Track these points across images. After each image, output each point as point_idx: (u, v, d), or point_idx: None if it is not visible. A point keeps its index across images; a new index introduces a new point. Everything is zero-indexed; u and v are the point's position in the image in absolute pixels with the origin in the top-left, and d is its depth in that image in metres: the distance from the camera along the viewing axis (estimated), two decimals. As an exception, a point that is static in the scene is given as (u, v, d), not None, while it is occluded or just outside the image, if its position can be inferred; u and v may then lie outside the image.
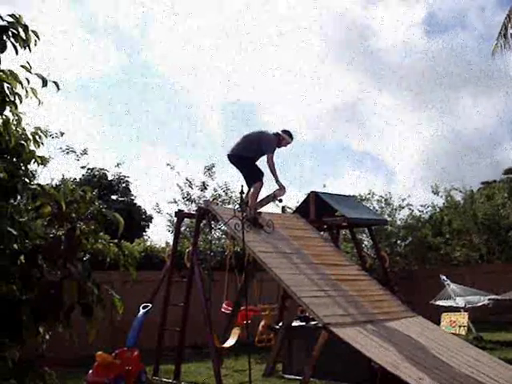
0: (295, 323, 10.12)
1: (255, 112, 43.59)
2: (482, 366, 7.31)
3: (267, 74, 39.54)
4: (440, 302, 13.52)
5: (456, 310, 13.00)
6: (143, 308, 9.67)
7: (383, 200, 21.10)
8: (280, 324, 10.61)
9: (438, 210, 22.49)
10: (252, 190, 9.45)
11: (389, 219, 20.10)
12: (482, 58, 35.11)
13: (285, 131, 9.88)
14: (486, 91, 38.34)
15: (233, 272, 12.03)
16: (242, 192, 8.20)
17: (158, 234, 55.63)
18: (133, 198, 23.00)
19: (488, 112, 37.64)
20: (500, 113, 38.18)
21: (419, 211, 21.95)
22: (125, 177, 22.90)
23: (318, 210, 12.01)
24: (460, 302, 13.00)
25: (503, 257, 19.53)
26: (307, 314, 9.59)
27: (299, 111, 40.03)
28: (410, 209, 21.46)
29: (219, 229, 15.60)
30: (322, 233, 12.30)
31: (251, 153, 9.53)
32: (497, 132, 38.62)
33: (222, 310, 11.28)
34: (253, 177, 9.53)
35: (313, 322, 9.38)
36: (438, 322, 12.31)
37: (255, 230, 9.23)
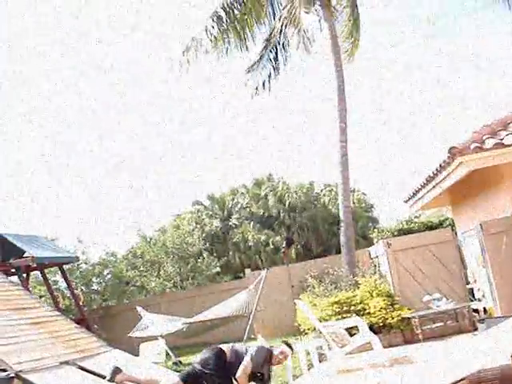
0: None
1: None
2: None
3: None
4: (138, 334, 13.69)
5: (155, 338, 13.29)
6: None
7: (76, 238, 20.70)
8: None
9: (132, 245, 22.93)
10: None
11: (83, 257, 19.79)
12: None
13: None
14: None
15: None
16: None
17: None
18: None
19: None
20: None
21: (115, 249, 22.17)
22: None
23: (6, 252, 11.30)
24: (156, 330, 13.34)
25: (195, 282, 20.62)
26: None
27: None
28: (103, 244, 21.46)
29: None
30: (11, 277, 11.58)
31: None
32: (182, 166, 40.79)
33: None
34: None
35: (4, 373, 8.64)
36: (138, 353, 12.45)
37: None
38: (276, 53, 16.65)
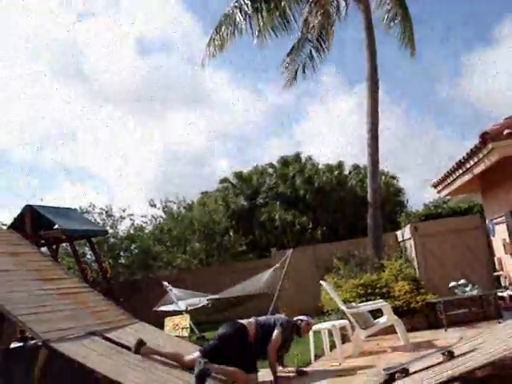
0: (13, 345, 9.45)
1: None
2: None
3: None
4: (163, 308, 13.88)
5: (179, 313, 13.45)
6: None
7: (104, 212, 20.93)
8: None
9: (159, 220, 23.09)
10: None
11: (111, 231, 20.02)
12: (187, 78, 37.25)
13: None
14: (195, 107, 40.67)
15: None
16: None
17: None
18: None
19: (199, 127, 39.86)
20: (210, 126, 40.58)
21: (143, 222, 22.39)
22: None
23: (36, 224, 11.45)
24: (182, 305, 13.50)
25: (220, 259, 20.76)
26: (27, 334, 9.04)
27: (14, 131, 37.79)
28: (131, 219, 21.68)
29: None
30: (41, 248, 11.76)
31: None
32: (210, 145, 40.83)
33: None
34: None
35: (32, 341, 8.86)
36: (163, 327, 12.62)
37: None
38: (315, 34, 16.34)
